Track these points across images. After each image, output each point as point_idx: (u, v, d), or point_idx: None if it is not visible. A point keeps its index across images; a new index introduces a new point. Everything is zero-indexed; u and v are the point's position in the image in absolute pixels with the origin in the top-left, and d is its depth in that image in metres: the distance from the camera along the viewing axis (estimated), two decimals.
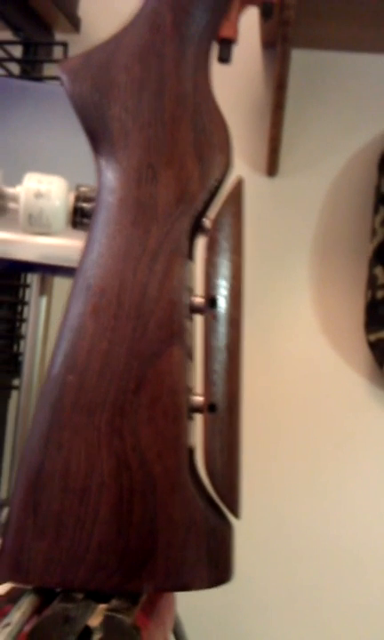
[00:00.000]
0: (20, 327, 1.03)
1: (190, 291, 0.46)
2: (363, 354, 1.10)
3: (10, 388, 1.02)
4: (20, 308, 1.03)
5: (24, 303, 1.03)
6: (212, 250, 0.45)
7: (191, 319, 0.46)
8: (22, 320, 1.03)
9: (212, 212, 0.46)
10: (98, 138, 0.47)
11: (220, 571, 0.44)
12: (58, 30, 1.11)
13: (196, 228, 0.46)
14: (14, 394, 1.03)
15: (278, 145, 1.11)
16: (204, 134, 0.46)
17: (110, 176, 0.46)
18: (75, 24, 1.09)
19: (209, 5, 0.46)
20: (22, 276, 1.03)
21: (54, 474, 0.45)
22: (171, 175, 0.45)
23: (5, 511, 0.82)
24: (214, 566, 0.44)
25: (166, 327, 0.45)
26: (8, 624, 0.43)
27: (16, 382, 1.02)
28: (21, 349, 1.03)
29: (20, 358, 1.03)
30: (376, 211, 1.07)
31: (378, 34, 1.10)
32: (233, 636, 1.12)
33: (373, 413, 1.10)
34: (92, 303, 0.45)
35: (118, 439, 0.44)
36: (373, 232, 1.07)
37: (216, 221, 0.46)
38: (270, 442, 1.10)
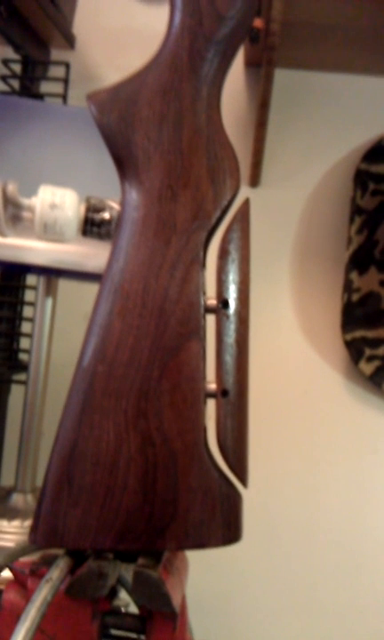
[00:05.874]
0: (19, 325, 1.09)
1: (204, 293, 0.53)
2: (339, 352, 1.16)
3: (10, 381, 1.08)
4: (19, 307, 1.09)
5: (23, 303, 1.09)
6: (223, 259, 0.53)
7: (205, 318, 0.53)
8: (22, 319, 1.09)
9: (223, 227, 0.54)
10: (123, 162, 0.53)
11: (231, 531, 0.51)
12: (54, 47, 1.17)
13: (209, 240, 0.54)
14: (13, 387, 1.09)
15: (261, 158, 1.16)
16: (217, 161, 0.53)
17: (134, 195, 0.53)
18: (70, 41, 1.15)
19: (221, 50, 0.53)
20: (21, 277, 1.09)
21: (86, 450, 0.51)
22: (188, 195, 0.52)
23: (14, 496, 0.89)
24: (227, 527, 0.51)
25: (185, 324, 0.51)
26: (50, 579, 0.50)
27: (15, 377, 1.08)
28: (20, 346, 1.09)
29: (19, 354, 1.09)
30: (352, 220, 1.12)
31: (352, 57, 1.16)
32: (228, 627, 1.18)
33: (348, 405, 1.17)
34: (120, 304, 0.52)
35: (143, 420, 0.51)
36: (349, 240, 1.12)
37: (227, 235, 0.53)
38: (251, 434, 1.17)
